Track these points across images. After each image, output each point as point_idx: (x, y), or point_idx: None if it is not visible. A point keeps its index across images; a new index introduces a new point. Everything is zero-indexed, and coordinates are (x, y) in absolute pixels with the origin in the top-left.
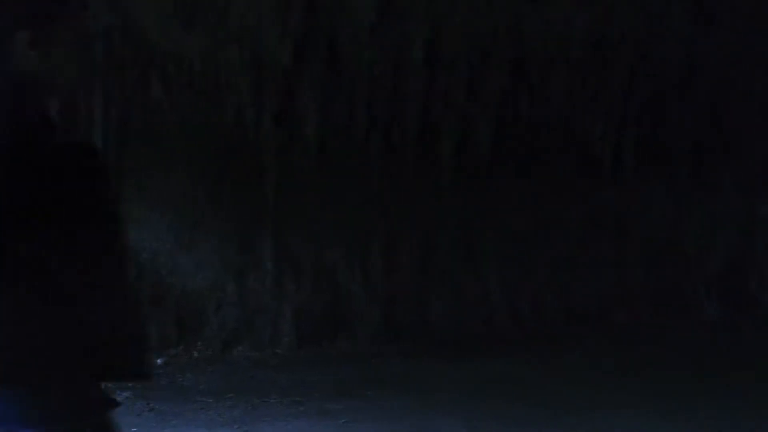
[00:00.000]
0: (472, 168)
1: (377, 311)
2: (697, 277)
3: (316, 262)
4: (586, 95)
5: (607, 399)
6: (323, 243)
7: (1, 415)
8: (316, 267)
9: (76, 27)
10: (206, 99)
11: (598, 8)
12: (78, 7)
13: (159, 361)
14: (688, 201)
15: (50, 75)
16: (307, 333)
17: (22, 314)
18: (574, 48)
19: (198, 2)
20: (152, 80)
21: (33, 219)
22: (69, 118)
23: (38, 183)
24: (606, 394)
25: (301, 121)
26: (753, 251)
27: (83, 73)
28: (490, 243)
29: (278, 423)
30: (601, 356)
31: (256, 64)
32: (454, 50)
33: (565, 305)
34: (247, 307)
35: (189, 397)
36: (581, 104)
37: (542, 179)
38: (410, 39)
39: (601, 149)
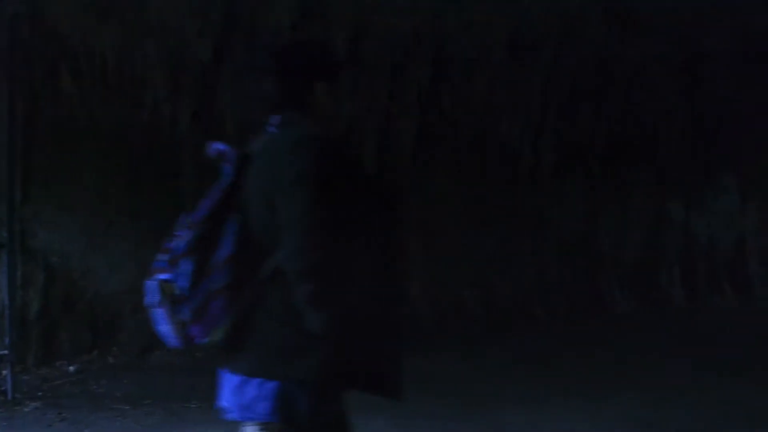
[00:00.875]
0: (393, 167)
1: None
2: (610, 273)
3: None
4: (506, 96)
5: (528, 392)
6: None
7: None
8: None
9: None
10: (121, 95)
11: (516, 10)
12: None
13: (71, 368)
14: (602, 199)
15: None
16: None
17: None
18: (495, 49)
19: None
20: (62, 74)
21: None
22: None
23: None
24: (527, 386)
25: (220, 119)
26: (663, 248)
27: None
28: (410, 241)
29: (198, 428)
30: (521, 350)
31: (174, 60)
32: (375, 49)
33: (486, 301)
34: None
35: (104, 405)
36: (501, 104)
37: (462, 177)
38: (331, 38)
39: (520, 148)
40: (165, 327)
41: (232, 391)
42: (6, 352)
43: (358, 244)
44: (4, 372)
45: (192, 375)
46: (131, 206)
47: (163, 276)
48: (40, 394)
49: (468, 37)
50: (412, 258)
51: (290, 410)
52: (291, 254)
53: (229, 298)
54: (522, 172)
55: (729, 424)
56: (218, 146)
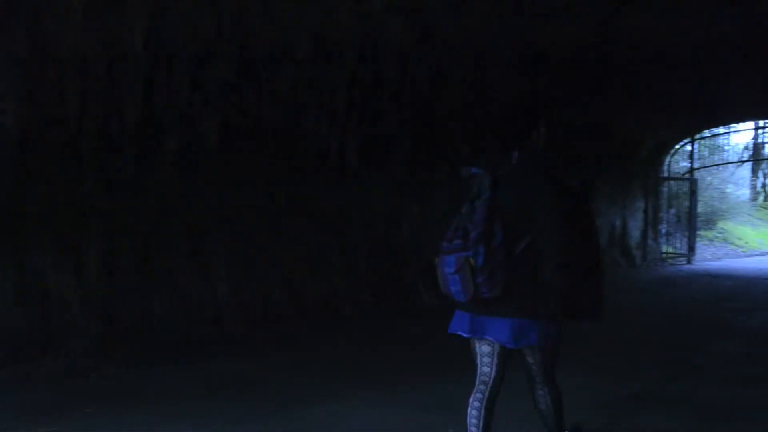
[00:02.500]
0: (196, 165)
1: (94, 320)
2: (415, 268)
3: (22, 268)
4: (312, 93)
5: (337, 388)
6: (30, 247)
7: None
8: (20, 274)
9: None
10: None
11: (321, 8)
12: None
13: None
14: (406, 196)
15: None
16: (11, 350)
17: None
18: (301, 46)
19: None
20: None
21: None
22: None
23: None
24: (336, 383)
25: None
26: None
27: None
28: (217, 241)
29: None
30: (329, 348)
31: None
32: (176, 43)
33: (294, 300)
34: None
35: None
36: (308, 101)
37: (270, 175)
38: (129, 29)
39: (327, 146)
40: (456, 287)
41: (504, 329)
42: None
43: (572, 228)
44: None
45: None
46: None
47: (464, 254)
48: None
49: (273, 32)
50: (217, 259)
51: (547, 337)
52: (548, 240)
53: (503, 268)
54: (328, 170)
55: (530, 407)
56: (473, 170)
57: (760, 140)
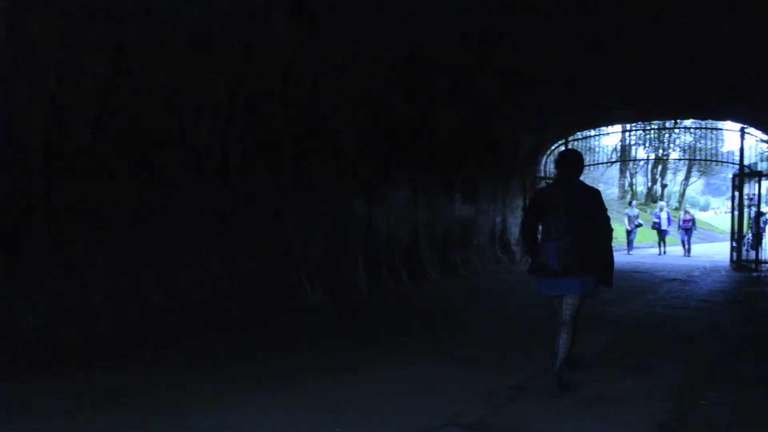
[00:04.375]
0: (67, 162)
1: None
2: (300, 267)
3: None
4: (192, 89)
5: (224, 392)
6: None
7: None
8: None
9: None
10: None
11: (202, 1)
12: None
13: None
14: (290, 195)
15: None
16: None
17: None
18: (180, 40)
19: None
20: None
21: None
22: None
23: None
24: (223, 388)
25: None
26: (348, 240)
27: None
28: (90, 244)
29: None
30: (213, 352)
31: None
32: (41, 28)
33: (175, 303)
34: None
35: None
36: (188, 97)
37: (148, 173)
38: None
39: (208, 143)
40: (553, 261)
41: (576, 284)
42: None
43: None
44: None
45: None
46: None
47: (558, 242)
48: None
49: (150, 25)
50: (90, 261)
51: (592, 288)
52: (606, 228)
53: (576, 249)
54: (210, 169)
55: (420, 400)
56: (543, 187)
57: (627, 142)
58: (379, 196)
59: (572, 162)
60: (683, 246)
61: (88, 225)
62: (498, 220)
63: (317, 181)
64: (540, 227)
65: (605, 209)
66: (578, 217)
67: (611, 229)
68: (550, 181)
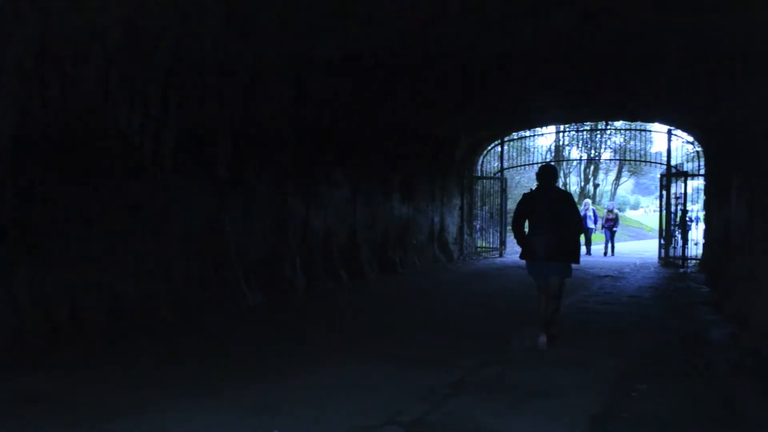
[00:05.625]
0: None
1: None
2: (237, 267)
3: None
4: (124, 87)
5: (154, 399)
6: None
7: None
8: None
9: None
10: None
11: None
12: None
13: None
14: (227, 195)
15: None
16: None
17: None
18: (111, 35)
19: None
20: None
21: None
22: None
23: None
24: (153, 394)
25: None
26: (285, 240)
27: None
28: (16, 244)
29: None
30: (146, 356)
31: None
32: None
33: (107, 305)
34: None
35: None
36: (119, 95)
37: (74, 171)
38: None
39: (141, 141)
40: (542, 249)
41: (557, 269)
42: None
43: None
44: None
45: None
46: None
47: (546, 235)
48: None
49: (79, 18)
50: (18, 268)
51: (568, 272)
52: (575, 225)
53: (556, 241)
54: (144, 167)
55: (359, 400)
56: (528, 192)
57: (561, 143)
58: (317, 195)
59: (550, 174)
60: (605, 246)
61: (14, 225)
62: (436, 219)
63: (254, 180)
64: (527, 223)
65: (576, 208)
66: (556, 216)
67: (581, 224)
68: (530, 189)
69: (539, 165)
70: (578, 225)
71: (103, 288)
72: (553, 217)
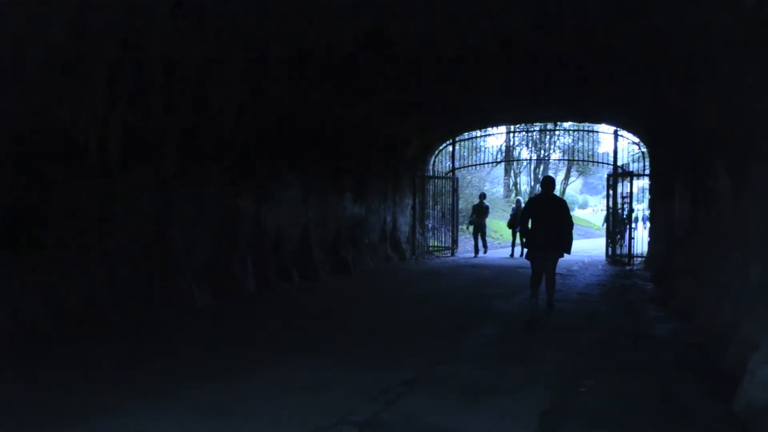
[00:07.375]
0: None
1: None
2: (185, 269)
3: None
4: (68, 84)
5: (102, 404)
6: None
7: None
8: None
9: None
10: None
11: None
12: None
13: None
14: (175, 196)
15: None
16: None
17: None
18: (54, 31)
19: None
20: None
21: None
22: None
23: None
24: (100, 398)
25: None
26: (236, 241)
27: None
28: None
29: None
30: (90, 360)
31: None
32: None
33: (51, 310)
34: None
35: None
36: (63, 93)
37: (20, 172)
38: None
39: (86, 140)
40: (542, 241)
41: (553, 255)
42: None
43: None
44: None
45: None
46: None
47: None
48: None
49: (19, 11)
50: None
51: (561, 257)
52: (569, 223)
53: (553, 234)
54: (88, 167)
55: (311, 401)
56: (533, 197)
57: (511, 143)
58: (268, 195)
59: (550, 183)
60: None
61: None
62: (389, 218)
63: (203, 180)
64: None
65: (568, 211)
66: (554, 217)
67: (572, 223)
68: (535, 194)
69: (545, 177)
70: (570, 223)
71: (47, 292)
72: (551, 217)
